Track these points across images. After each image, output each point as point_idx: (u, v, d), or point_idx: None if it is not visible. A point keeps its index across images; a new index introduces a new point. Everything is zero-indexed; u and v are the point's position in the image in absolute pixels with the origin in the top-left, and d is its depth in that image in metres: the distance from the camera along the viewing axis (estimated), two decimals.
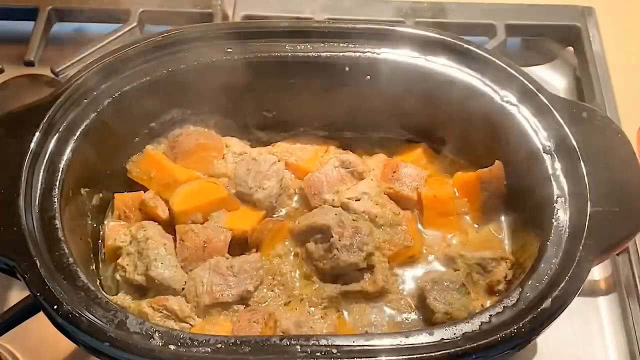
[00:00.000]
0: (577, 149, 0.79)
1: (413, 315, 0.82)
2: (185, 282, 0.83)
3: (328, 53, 0.89)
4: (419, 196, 0.91)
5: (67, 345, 0.85)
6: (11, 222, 0.74)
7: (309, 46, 0.90)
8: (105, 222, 0.90)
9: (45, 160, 0.80)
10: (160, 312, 0.80)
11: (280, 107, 0.95)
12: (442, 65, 0.88)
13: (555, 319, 0.70)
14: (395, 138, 0.97)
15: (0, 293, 0.91)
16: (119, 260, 0.85)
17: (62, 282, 0.71)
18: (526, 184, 0.83)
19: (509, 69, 0.87)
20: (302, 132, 0.98)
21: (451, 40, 0.89)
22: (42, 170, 0.79)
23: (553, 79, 1.17)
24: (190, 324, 0.80)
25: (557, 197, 0.78)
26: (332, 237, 0.83)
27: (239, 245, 0.86)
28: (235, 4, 1.18)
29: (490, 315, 0.70)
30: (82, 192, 0.85)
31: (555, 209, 0.77)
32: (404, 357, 0.67)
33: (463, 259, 0.85)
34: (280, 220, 0.90)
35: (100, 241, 0.88)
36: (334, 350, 0.67)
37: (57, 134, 0.82)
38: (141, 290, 0.84)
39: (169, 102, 0.92)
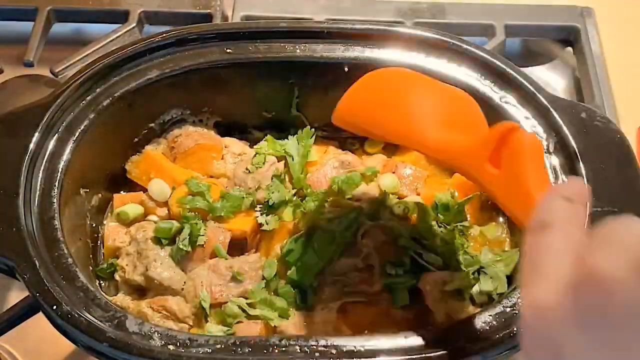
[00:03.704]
0: (576, 150, 0.79)
1: (412, 316, 0.82)
2: (185, 282, 0.83)
3: (327, 53, 0.89)
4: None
5: (67, 346, 0.85)
6: (10, 222, 0.74)
7: (308, 46, 0.90)
8: (105, 222, 0.90)
9: (44, 161, 0.80)
10: (160, 312, 0.80)
11: (279, 107, 0.95)
12: (440, 65, 0.88)
13: None
14: None
15: None
16: (119, 261, 0.85)
17: (61, 282, 0.71)
18: None
19: (508, 69, 0.87)
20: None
21: (450, 40, 0.89)
22: (41, 171, 0.79)
23: (552, 79, 1.17)
24: (190, 324, 0.80)
25: None
26: None
27: (239, 246, 0.86)
28: (235, 4, 1.18)
29: (490, 316, 0.70)
30: (81, 192, 0.85)
31: None
32: (402, 357, 0.67)
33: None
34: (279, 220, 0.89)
35: (99, 242, 0.88)
36: (333, 351, 0.67)
37: (57, 135, 0.82)
38: (141, 291, 0.84)
39: (168, 103, 0.92)
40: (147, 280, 0.82)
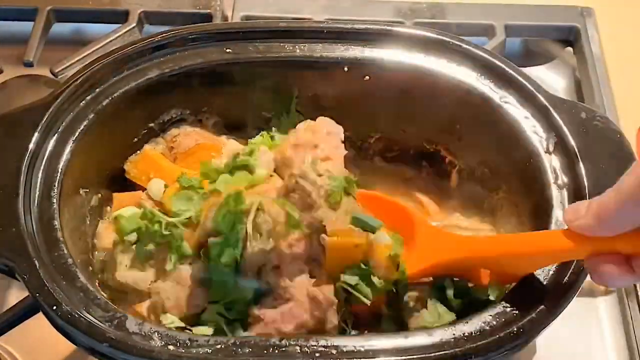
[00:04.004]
0: (576, 149, 0.79)
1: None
2: (152, 282, 0.81)
3: (327, 53, 0.89)
4: None
5: (66, 346, 0.85)
6: (10, 222, 0.74)
7: (307, 46, 0.90)
8: (100, 222, 0.89)
9: (44, 161, 0.80)
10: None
11: (278, 107, 0.95)
12: (440, 65, 0.88)
13: (554, 320, 0.70)
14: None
15: None
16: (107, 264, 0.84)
17: (61, 282, 0.71)
18: (525, 185, 0.83)
19: (508, 69, 0.87)
20: None
21: (450, 40, 0.89)
22: (41, 171, 0.79)
23: (552, 79, 1.17)
24: None
25: (555, 197, 0.78)
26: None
27: None
28: (235, 4, 1.18)
29: (490, 316, 0.70)
30: (81, 192, 0.85)
31: (554, 209, 0.77)
32: (402, 357, 0.67)
33: None
34: None
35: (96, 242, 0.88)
36: (333, 351, 0.67)
37: (56, 135, 0.82)
38: (121, 293, 0.83)
39: (168, 103, 0.92)
40: (117, 283, 0.81)
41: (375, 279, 0.76)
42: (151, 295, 0.80)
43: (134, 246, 0.83)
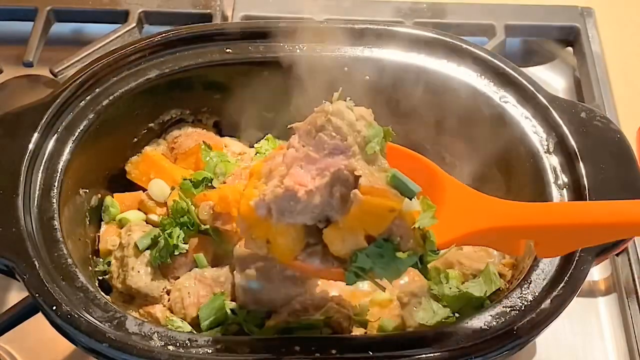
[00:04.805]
0: (576, 149, 0.79)
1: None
2: (164, 288, 0.81)
3: (327, 53, 0.89)
4: None
5: (66, 346, 0.85)
6: (10, 223, 0.74)
7: (307, 46, 0.90)
8: (102, 222, 0.89)
9: (43, 161, 0.80)
10: (147, 318, 0.80)
11: (279, 107, 0.95)
12: (441, 65, 0.88)
13: (554, 320, 0.70)
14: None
15: None
16: (110, 267, 0.84)
17: (60, 282, 0.71)
18: (525, 185, 0.83)
19: (508, 69, 0.87)
20: None
21: (450, 40, 0.89)
22: (40, 171, 0.79)
23: (552, 79, 1.17)
24: None
25: (555, 197, 0.78)
26: None
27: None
28: (235, 4, 1.18)
29: (490, 316, 0.70)
30: (80, 192, 0.85)
31: None
32: (402, 357, 0.67)
33: (461, 267, 0.82)
34: None
35: (97, 242, 0.88)
36: (333, 351, 0.67)
37: (56, 135, 0.82)
38: (128, 296, 0.83)
39: (168, 103, 0.92)
40: (127, 288, 0.81)
41: (400, 254, 0.64)
42: (170, 292, 0.81)
43: (146, 252, 0.83)
